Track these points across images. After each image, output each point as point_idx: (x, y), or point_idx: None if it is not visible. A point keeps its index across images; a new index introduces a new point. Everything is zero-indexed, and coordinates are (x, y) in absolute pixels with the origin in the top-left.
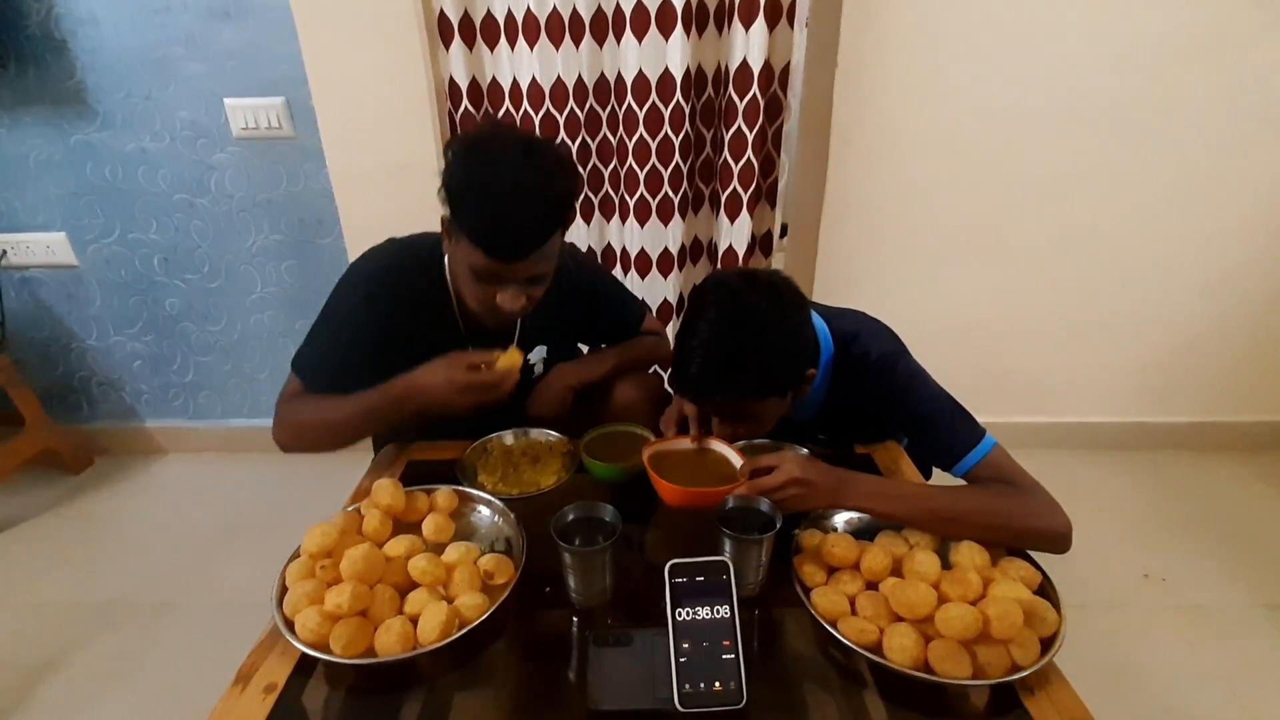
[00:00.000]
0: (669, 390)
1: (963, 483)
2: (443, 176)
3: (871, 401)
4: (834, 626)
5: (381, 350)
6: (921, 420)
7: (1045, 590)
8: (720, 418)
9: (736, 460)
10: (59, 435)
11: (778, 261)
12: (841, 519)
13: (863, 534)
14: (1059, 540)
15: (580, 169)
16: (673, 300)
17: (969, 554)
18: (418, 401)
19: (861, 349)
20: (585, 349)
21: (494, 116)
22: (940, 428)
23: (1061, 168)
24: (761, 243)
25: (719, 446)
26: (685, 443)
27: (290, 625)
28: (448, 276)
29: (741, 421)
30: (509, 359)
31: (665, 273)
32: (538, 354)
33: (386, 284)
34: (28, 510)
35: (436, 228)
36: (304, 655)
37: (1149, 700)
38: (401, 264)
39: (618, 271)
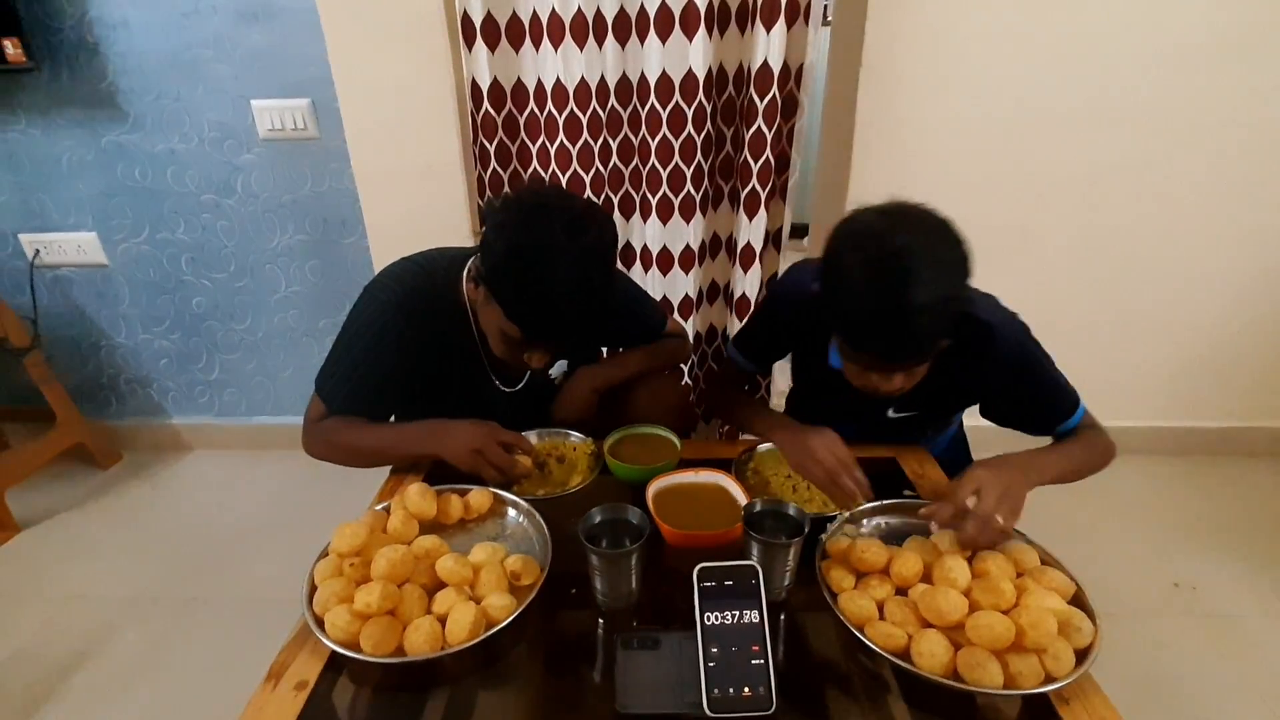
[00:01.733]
0: (687, 383)
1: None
2: (485, 237)
3: (971, 364)
4: (861, 631)
5: (404, 375)
6: (1043, 388)
7: (1080, 601)
8: (890, 374)
9: (741, 497)
10: (89, 431)
11: (796, 259)
12: (870, 524)
13: (890, 539)
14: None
15: (615, 228)
16: (693, 296)
17: (999, 562)
18: (438, 452)
19: (983, 314)
20: (605, 351)
21: (538, 180)
22: (1057, 395)
23: (1089, 168)
24: (774, 238)
25: (724, 481)
26: (689, 475)
27: (320, 623)
28: (465, 299)
29: (909, 374)
30: (529, 465)
31: (686, 269)
32: (558, 369)
33: (405, 312)
34: (58, 504)
35: (458, 229)
36: (334, 653)
37: (1178, 711)
38: (419, 288)
39: (639, 268)
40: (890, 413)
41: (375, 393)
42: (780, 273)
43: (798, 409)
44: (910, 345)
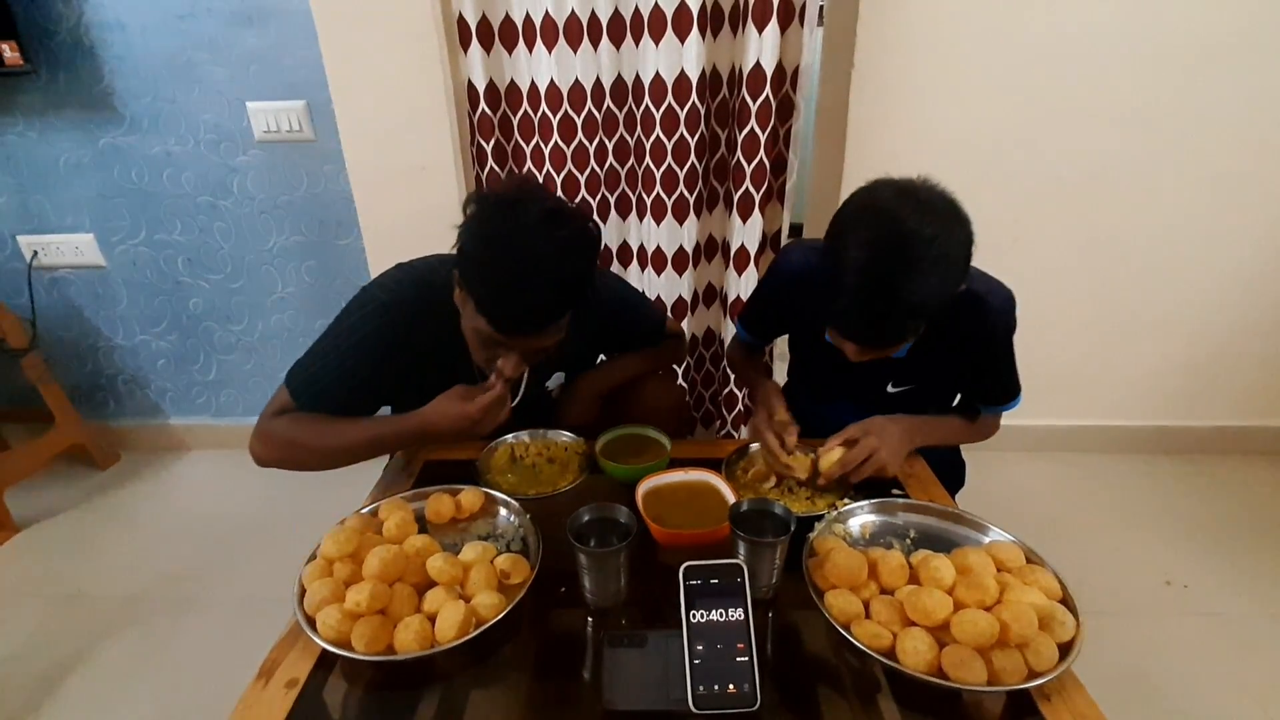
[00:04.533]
0: (682, 385)
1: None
2: (460, 232)
3: (965, 339)
4: (847, 630)
5: (388, 380)
6: (1002, 365)
7: (1065, 601)
8: (872, 351)
9: (731, 496)
10: (87, 432)
11: None
12: (857, 523)
13: (878, 538)
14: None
15: (602, 233)
16: (687, 297)
17: (982, 559)
18: (434, 437)
19: (978, 287)
20: (604, 356)
21: (523, 177)
22: (1009, 379)
23: (1084, 168)
24: (772, 241)
25: (714, 480)
26: (679, 475)
27: (311, 622)
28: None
29: (891, 349)
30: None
31: (680, 270)
32: (555, 380)
33: (399, 317)
34: (57, 505)
35: (453, 231)
36: (325, 651)
37: (1169, 710)
38: (414, 296)
39: (634, 268)
40: (890, 387)
41: (348, 396)
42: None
43: (797, 384)
44: (889, 335)
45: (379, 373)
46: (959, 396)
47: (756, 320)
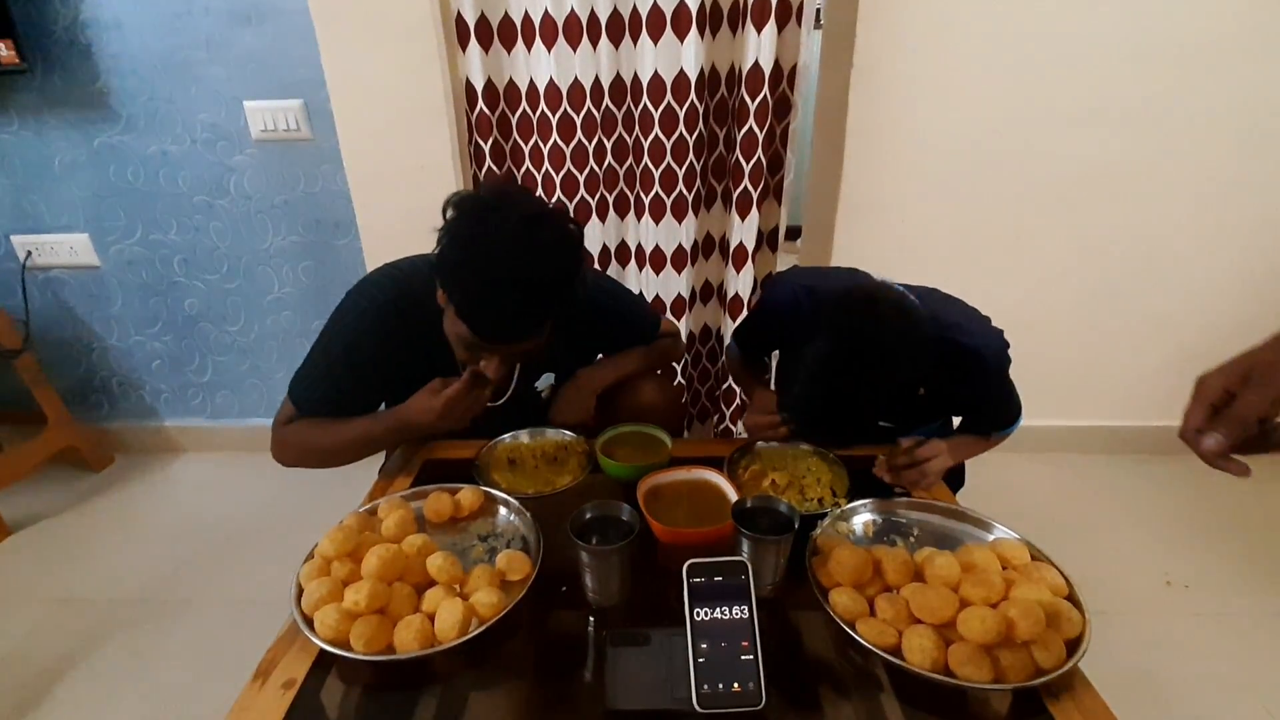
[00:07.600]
0: (680, 384)
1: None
2: (439, 235)
3: (958, 388)
4: (852, 628)
5: (380, 381)
6: (1001, 402)
7: (1070, 596)
8: None
9: (732, 494)
10: (80, 433)
11: (791, 260)
12: (859, 521)
13: (881, 536)
14: None
15: (584, 246)
16: (685, 295)
17: (987, 556)
18: (414, 432)
19: (971, 340)
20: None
21: (505, 179)
22: (1008, 409)
23: (1083, 167)
24: (768, 239)
25: (716, 478)
26: (680, 473)
27: (309, 622)
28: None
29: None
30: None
31: (679, 268)
32: (544, 381)
33: (386, 319)
34: (50, 507)
35: None
36: (322, 651)
37: (1170, 709)
38: (400, 296)
39: (632, 268)
40: (881, 422)
41: (347, 400)
42: (776, 272)
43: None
44: (838, 432)
45: (370, 375)
46: (959, 420)
47: (751, 341)
